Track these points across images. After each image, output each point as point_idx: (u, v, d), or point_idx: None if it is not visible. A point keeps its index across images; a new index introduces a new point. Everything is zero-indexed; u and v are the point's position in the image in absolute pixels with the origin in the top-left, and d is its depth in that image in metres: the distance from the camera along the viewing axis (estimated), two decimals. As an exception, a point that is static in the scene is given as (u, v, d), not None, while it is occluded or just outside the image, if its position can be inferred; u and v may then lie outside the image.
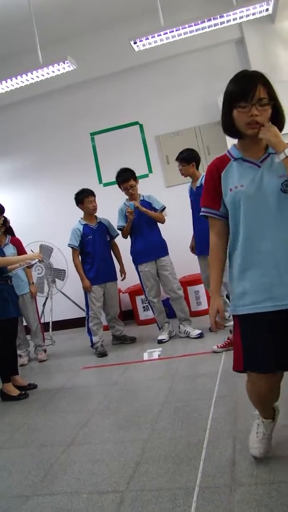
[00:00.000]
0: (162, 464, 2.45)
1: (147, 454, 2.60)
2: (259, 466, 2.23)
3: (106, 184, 6.47)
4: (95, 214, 5.27)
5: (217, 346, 4.23)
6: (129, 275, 5.39)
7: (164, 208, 5.19)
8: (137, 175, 6.36)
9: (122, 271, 5.37)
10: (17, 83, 5.04)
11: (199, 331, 4.88)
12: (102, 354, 4.98)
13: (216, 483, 2.17)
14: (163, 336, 5.02)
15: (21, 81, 5.03)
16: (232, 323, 4.56)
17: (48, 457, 2.82)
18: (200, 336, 4.85)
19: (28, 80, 5.06)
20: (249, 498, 2.00)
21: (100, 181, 6.52)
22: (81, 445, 2.92)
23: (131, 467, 2.48)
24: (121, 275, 5.37)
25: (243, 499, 2.00)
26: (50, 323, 6.21)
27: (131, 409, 3.38)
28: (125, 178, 4.95)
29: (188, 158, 4.77)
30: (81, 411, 3.51)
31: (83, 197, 5.12)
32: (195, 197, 4.84)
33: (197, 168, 4.86)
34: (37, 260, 4.50)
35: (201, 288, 5.90)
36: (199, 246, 4.91)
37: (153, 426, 2.96)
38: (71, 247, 5.13)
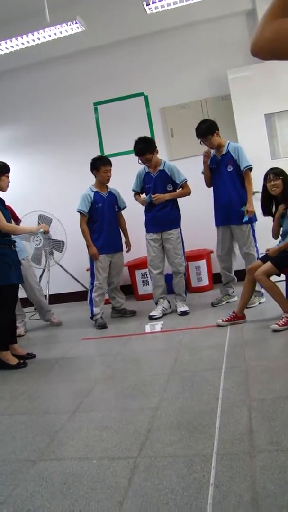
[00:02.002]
0: (175, 431, 2.36)
1: (157, 421, 2.51)
2: (278, 433, 2.15)
3: (109, 155, 6.27)
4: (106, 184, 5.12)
5: (222, 320, 4.15)
6: (127, 252, 5.29)
7: (185, 180, 4.96)
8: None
9: (127, 243, 5.26)
10: (22, 43, 4.85)
11: (185, 309, 4.81)
12: (102, 326, 4.88)
13: (234, 450, 2.08)
14: (155, 312, 4.89)
15: (27, 41, 4.84)
16: (235, 299, 4.53)
17: (52, 424, 2.72)
18: (184, 313, 4.76)
19: (34, 41, 4.87)
20: (271, 464, 1.91)
21: (102, 152, 6.35)
22: (86, 412, 2.82)
23: (142, 434, 2.39)
24: (126, 247, 5.25)
25: (265, 465, 1.92)
26: (47, 296, 6.07)
27: (137, 378, 3.29)
28: (141, 152, 4.76)
29: (210, 129, 4.63)
30: (84, 380, 3.41)
31: (101, 165, 4.96)
32: (219, 165, 4.72)
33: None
34: (42, 231, 4.38)
35: (202, 264, 5.81)
36: (222, 216, 4.79)
37: (161, 395, 2.87)
38: (80, 212, 4.97)
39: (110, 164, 5.01)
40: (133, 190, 5.02)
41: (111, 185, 5.17)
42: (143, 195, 4.87)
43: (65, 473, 2.13)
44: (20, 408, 3.07)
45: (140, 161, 4.82)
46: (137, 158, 4.80)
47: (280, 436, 2.12)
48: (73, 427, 2.62)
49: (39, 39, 4.88)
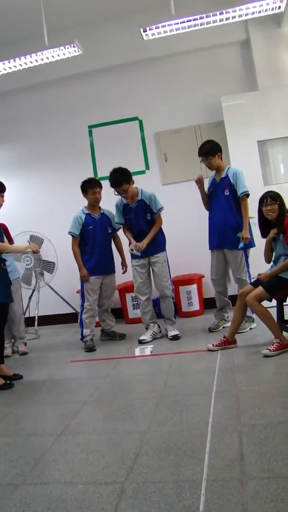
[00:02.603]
0: (164, 456, 2.29)
1: (146, 446, 2.44)
2: (270, 460, 2.09)
3: (102, 178, 6.27)
4: (99, 205, 5.10)
5: (213, 344, 4.10)
6: (118, 273, 5.23)
7: (161, 209, 4.99)
8: (133, 171, 6.26)
9: (124, 263, 5.20)
10: (20, 64, 4.86)
11: (176, 333, 4.74)
12: (90, 349, 4.81)
13: (225, 476, 2.02)
14: (145, 336, 4.82)
15: (25, 63, 4.86)
16: (229, 324, 4.48)
17: (37, 447, 2.64)
18: (175, 338, 4.70)
19: (32, 62, 4.88)
20: (262, 492, 1.86)
21: (95, 174, 6.35)
22: (73, 435, 2.75)
23: (130, 458, 2.32)
24: (122, 268, 5.19)
25: (256, 492, 1.86)
26: (36, 317, 6.00)
27: (125, 401, 3.22)
28: (117, 182, 4.68)
29: (212, 150, 4.63)
30: (71, 402, 3.33)
31: (88, 187, 4.95)
32: (217, 188, 4.72)
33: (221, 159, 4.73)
34: (31, 251, 4.31)
35: (193, 288, 5.78)
36: (216, 239, 4.76)
37: (150, 418, 2.81)
38: (71, 235, 4.94)
39: (99, 186, 4.99)
40: (118, 223, 4.99)
41: (105, 206, 5.15)
42: (131, 245, 4.78)
43: (49, 498, 2.06)
44: (5, 430, 2.98)
45: (115, 193, 4.76)
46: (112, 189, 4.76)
47: (271, 463, 2.07)
48: (59, 450, 2.55)
49: (36, 61, 4.90)
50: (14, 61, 4.82)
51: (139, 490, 2.01)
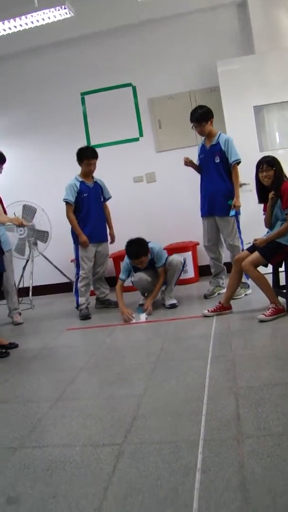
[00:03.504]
0: (161, 418, 2.31)
1: (143, 409, 2.45)
2: (266, 419, 2.11)
3: (95, 146, 6.18)
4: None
5: (208, 310, 4.11)
6: (111, 243, 5.24)
7: (110, 198, 5.17)
8: (127, 138, 6.20)
9: (111, 234, 5.21)
10: (9, 27, 4.73)
11: (173, 302, 4.72)
12: (85, 317, 4.81)
13: (221, 436, 2.04)
14: (144, 301, 4.84)
15: (14, 26, 4.72)
16: (224, 290, 4.48)
17: (34, 412, 2.65)
18: (172, 306, 4.68)
19: (22, 26, 4.75)
20: (258, 449, 1.87)
21: (88, 142, 6.27)
22: (69, 400, 2.76)
23: (127, 421, 2.33)
24: (110, 238, 5.19)
25: (252, 450, 1.88)
26: (30, 287, 5.99)
27: (122, 367, 3.24)
28: (137, 255, 4.52)
29: (204, 116, 4.55)
30: (67, 369, 3.34)
31: (84, 158, 4.89)
32: (207, 155, 4.66)
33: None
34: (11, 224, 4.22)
35: (188, 256, 5.76)
36: (206, 207, 4.73)
37: (146, 383, 2.82)
38: (66, 202, 4.89)
39: (94, 157, 4.92)
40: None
41: (97, 175, 5.09)
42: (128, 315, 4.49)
43: (48, 460, 2.07)
44: (2, 397, 2.99)
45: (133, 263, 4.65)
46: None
47: (267, 422, 2.09)
48: (56, 415, 2.56)
49: (26, 24, 4.76)
50: (3, 23, 4.67)
51: (137, 450, 2.03)
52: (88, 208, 4.95)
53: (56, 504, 1.73)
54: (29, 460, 2.09)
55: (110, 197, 5.19)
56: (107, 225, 5.21)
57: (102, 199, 5.12)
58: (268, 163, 3.87)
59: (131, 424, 2.29)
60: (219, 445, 1.96)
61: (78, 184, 4.93)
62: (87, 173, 4.98)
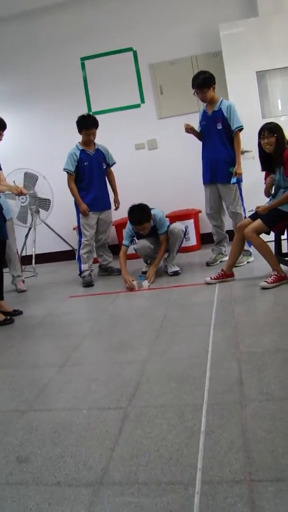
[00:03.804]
0: (165, 383, 2.36)
1: (147, 374, 2.50)
2: (268, 384, 2.16)
3: (95, 113, 6.13)
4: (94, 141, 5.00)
5: (211, 277, 4.13)
6: (115, 210, 5.23)
7: (114, 163, 5.15)
8: (128, 104, 6.12)
9: (116, 200, 5.19)
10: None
11: (176, 269, 4.74)
12: (88, 284, 4.85)
13: (225, 400, 2.08)
14: (147, 268, 4.88)
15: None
16: (227, 258, 4.50)
17: (40, 377, 2.70)
18: (175, 274, 4.70)
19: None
20: (262, 413, 1.92)
21: (89, 109, 6.19)
22: (75, 365, 2.81)
23: (131, 385, 2.38)
24: (115, 205, 5.18)
25: (255, 413, 1.92)
26: (33, 255, 6.02)
27: (125, 333, 3.28)
28: (140, 221, 4.50)
29: (207, 82, 4.45)
30: (72, 335, 3.39)
31: (83, 128, 4.83)
32: (209, 121, 4.60)
33: None
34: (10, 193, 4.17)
35: (190, 224, 5.77)
36: (208, 174, 4.71)
37: (150, 348, 2.87)
38: (67, 172, 4.87)
39: (94, 126, 4.84)
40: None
41: (99, 141, 5.05)
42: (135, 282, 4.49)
43: (55, 422, 2.12)
44: (8, 362, 3.05)
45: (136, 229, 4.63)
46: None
47: (270, 387, 2.13)
48: (62, 380, 2.61)
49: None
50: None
51: (142, 414, 2.08)
52: (90, 177, 4.93)
53: (64, 463, 1.78)
54: (37, 423, 2.15)
55: (114, 163, 5.15)
56: (112, 191, 5.19)
57: (105, 166, 5.07)
58: (269, 130, 3.83)
59: (135, 389, 2.34)
60: (222, 409, 2.01)
61: (78, 152, 4.89)
62: (87, 141, 4.93)
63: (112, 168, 5.17)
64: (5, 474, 1.77)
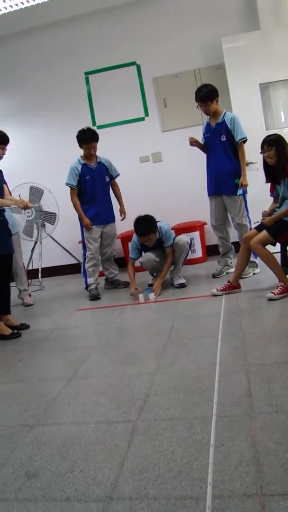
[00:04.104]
0: (173, 395, 2.35)
1: (155, 386, 2.49)
2: (277, 396, 2.14)
3: (100, 127, 6.20)
4: (96, 154, 5.02)
5: (217, 289, 4.13)
6: (120, 221, 5.22)
7: (118, 175, 5.17)
8: (132, 118, 6.16)
9: (122, 211, 5.18)
10: (11, 6, 4.66)
11: (182, 281, 4.74)
12: (95, 297, 4.85)
13: (234, 412, 2.07)
14: (153, 281, 4.87)
15: (16, 4, 4.66)
16: (233, 269, 4.50)
17: (48, 391, 2.70)
18: (181, 286, 4.70)
19: (23, 3, 4.67)
20: (271, 425, 1.91)
21: (94, 123, 6.23)
22: (83, 379, 2.81)
23: (140, 398, 2.38)
24: (121, 215, 5.18)
25: (265, 426, 1.91)
26: (40, 268, 6.03)
27: (133, 346, 3.28)
28: (146, 232, 4.52)
29: (210, 95, 4.48)
30: (80, 349, 3.39)
31: (83, 143, 4.85)
32: (213, 134, 4.62)
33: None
34: (15, 207, 4.18)
35: (196, 236, 5.77)
36: (213, 186, 4.72)
37: (158, 361, 2.86)
38: (69, 186, 4.89)
39: (94, 140, 4.85)
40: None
41: (102, 154, 5.07)
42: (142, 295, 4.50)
43: (63, 436, 2.12)
44: (16, 376, 3.05)
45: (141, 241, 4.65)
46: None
47: (279, 399, 2.12)
48: (70, 393, 2.60)
49: (27, 1, 4.68)
50: (4, 1, 4.60)
51: (151, 427, 2.07)
52: (92, 190, 4.94)
53: (74, 478, 1.78)
54: (45, 437, 2.14)
55: (118, 175, 5.16)
56: (118, 203, 5.20)
57: (108, 179, 5.08)
58: (268, 143, 3.85)
59: (144, 402, 2.33)
60: (231, 421, 1.99)
61: (79, 167, 4.91)
62: (88, 155, 4.95)
63: (117, 181, 5.18)
64: (14, 490, 1.76)
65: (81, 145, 4.90)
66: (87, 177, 4.90)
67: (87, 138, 4.83)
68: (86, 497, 1.65)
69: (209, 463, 1.73)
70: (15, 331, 4.00)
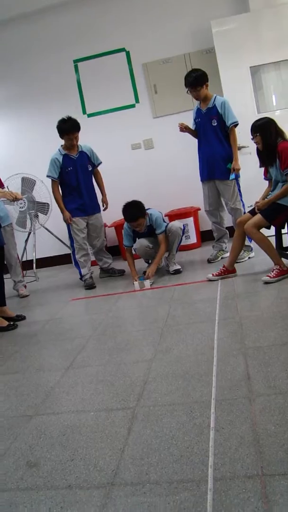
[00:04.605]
0: (172, 381, 2.35)
1: (153, 373, 2.49)
2: (276, 378, 2.15)
3: (90, 115, 6.15)
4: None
5: (213, 274, 4.13)
6: (113, 209, 5.13)
7: (100, 163, 5.09)
8: (123, 105, 6.10)
9: (104, 200, 5.11)
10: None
11: (177, 267, 4.73)
12: (90, 286, 4.84)
13: (233, 395, 2.07)
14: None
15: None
16: (228, 254, 4.49)
17: (46, 381, 2.69)
18: (176, 272, 4.70)
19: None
20: (270, 407, 1.91)
21: (84, 111, 6.17)
22: (81, 368, 2.80)
23: (138, 385, 2.38)
24: (103, 205, 5.11)
25: (264, 408, 1.92)
26: (34, 259, 6.00)
27: (130, 333, 3.28)
28: (134, 217, 4.52)
29: (199, 80, 4.44)
30: (76, 338, 3.38)
31: (64, 133, 4.71)
32: (203, 119, 4.59)
33: None
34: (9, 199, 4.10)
35: (190, 221, 5.76)
36: (206, 171, 4.69)
37: (155, 347, 2.86)
38: (51, 179, 4.83)
39: (76, 129, 4.70)
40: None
41: (91, 144, 5.01)
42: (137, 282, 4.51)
43: (63, 425, 2.12)
44: (13, 367, 3.04)
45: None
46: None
47: (277, 381, 2.12)
48: (68, 383, 2.60)
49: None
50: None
51: (150, 413, 2.07)
52: (75, 181, 4.85)
53: (75, 466, 1.77)
54: (45, 426, 2.14)
55: (100, 163, 5.07)
56: (100, 192, 5.13)
57: (91, 168, 5.00)
58: (253, 130, 3.85)
59: (142, 388, 2.33)
60: (231, 405, 2.00)
61: (60, 158, 4.80)
62: (69, 146, 4.82)
63: (110, 169, 5.15)
64: (16, 479, 1.76)
65: (62, 136, 4.74)
66: (69, 168, 4.80)
67: (69, 128, 4.68)
68: (88, 484, 1.65)
69: (210, 446, 1.73)
70: (12, 323, 3.99)
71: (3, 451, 1.97)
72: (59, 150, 4.87)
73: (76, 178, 4.86)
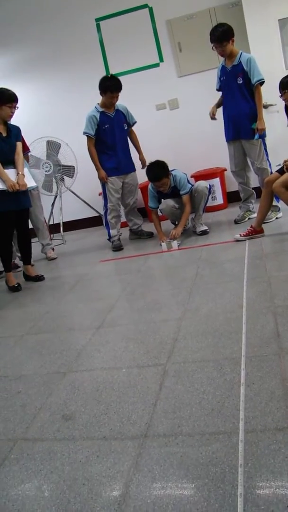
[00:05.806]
0: (202, 338, 2.38)
1: (183, 331, 2.53)
2: (306, 335, 2.15)
3: (114, 75, 6.04)
4: None
5: (240, 234, 4.10)
6: (139, 171, 5.11)
7: (135, 123, 5.05)
8: (147, 64, 5.98)
9: (142, 159, 5.07)
10: None
11: (204, 228, 4.71)
12: (118, 248, 4.87)
13: (263, 352, 2.09)
14: None
15: None
16: (255, 215, 4.45)
17: (78, 339, 2.76)
18: (204, 233, 4.68)
19: None
20: (301, 363, 1.93)
21: (107, 72, 6.07)
22: (111, 327, 2.85)
23: (169, 343, 2.41)
24: (141, 163, 5.07)
25: (294, 364, 1.93)
26: (61, 223, 6.05)
27: (159, 293, 3.31)
28: (158, 176, 4.52)
29: (225, 35, 4.29)
30: (106, 298, 3.43)
31: (107, 91, 4.65)
32: (228, 77, 4.47)
33: None
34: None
35: (216, 182, 5.70)
36: (231, 131, 4.61)
37: (185, 306, 2.89)
38: (87, 135, 4.80)
39: (120, 89, 4.69)
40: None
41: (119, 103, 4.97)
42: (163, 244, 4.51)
43: (96, 381, 2.17)
44: (44, 327, 3.11)
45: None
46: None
47: (308, 337, 2.13)
48: (99, 341, 2.66)
49: None
50: None
51: (181, 369, 2.11)
52: (112, 140, 4.84)
53: (109, 419, 1.83)
54: (78, 383, 2.20)
55: (135, 122, 5.03)
56: (136, 151, 5.10)
57: (126, 127, 4.96)
58: (281, 86, 3.74)
59: (173, 345, 2.37)
60: (261, 361, 2.02)
61: (98, 115, 4.76)
62: (108, 104, 4.79)
63: (134, 130, 5.08)
64: (53, 431, 1.83)
65: (104, 93, 4.68)
66: (106, 126, 4.78)
67: (114, 86, 4.65)
68: (122, 435, 1.71)
69: (240, 400, 1.76)
70: (16, 285, 4.18)
71: (39, 405, 2.05)
72: (95, 107, 4.82)
73: (113, 136, 4.84)
